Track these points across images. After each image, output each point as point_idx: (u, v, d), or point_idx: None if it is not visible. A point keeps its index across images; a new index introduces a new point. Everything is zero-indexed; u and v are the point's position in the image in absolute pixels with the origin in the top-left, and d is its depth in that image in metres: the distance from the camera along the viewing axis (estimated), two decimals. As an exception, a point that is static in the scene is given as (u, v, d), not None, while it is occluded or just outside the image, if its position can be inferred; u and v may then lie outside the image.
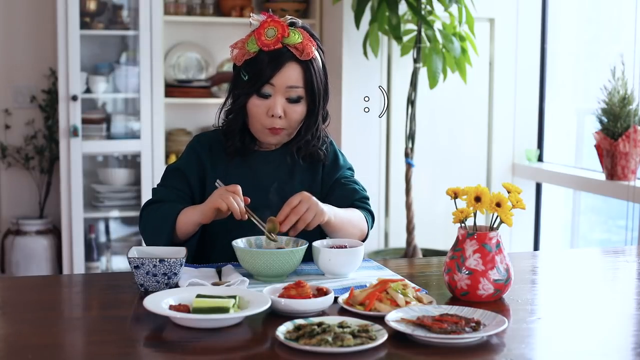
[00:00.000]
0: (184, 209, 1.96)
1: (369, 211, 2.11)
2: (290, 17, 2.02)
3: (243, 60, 2.00)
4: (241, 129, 2.06)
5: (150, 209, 2.03)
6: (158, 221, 1.98)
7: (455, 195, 1.79)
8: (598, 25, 4.82)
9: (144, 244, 2.07)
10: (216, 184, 1.95)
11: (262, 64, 1.97)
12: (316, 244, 1.90)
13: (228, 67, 4.74)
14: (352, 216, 2.03)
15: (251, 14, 2.04)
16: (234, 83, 2.05)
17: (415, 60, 3.94)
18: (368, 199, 2.14)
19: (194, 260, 2.04)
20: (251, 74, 1.98)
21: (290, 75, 1.97)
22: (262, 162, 2.09)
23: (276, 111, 1.98)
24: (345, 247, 1.92)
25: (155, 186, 2.11)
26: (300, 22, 2.03)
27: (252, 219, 1.90)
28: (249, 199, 1.89)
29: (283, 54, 1.97)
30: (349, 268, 1.90)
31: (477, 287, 1.73)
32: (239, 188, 1.89)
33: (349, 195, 2.10)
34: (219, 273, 1.88)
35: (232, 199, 1.86)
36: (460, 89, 4.21)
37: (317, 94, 2.01)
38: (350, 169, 2.19)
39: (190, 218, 1.94)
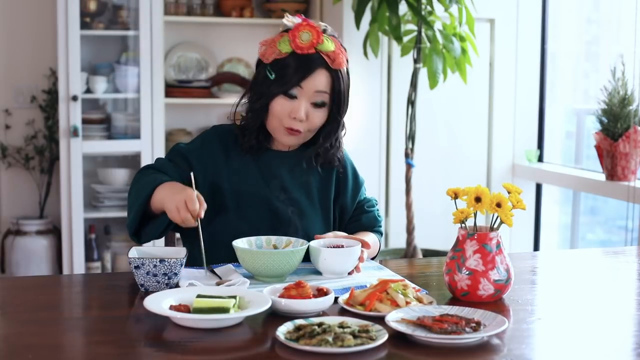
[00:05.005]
0: (165, 183, 1.95)
1: (381, 233, 2.23)
2: (323, 24, 2.04)
3: (272, 59, 2.01)
4: (259, 126, 2.08)
5: (143, 171, 2.05)
6: (141, 185, 1.99)
7: (455, 195, 1.79)
8: (598, 25, 4.83)
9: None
10: (191, 177, 1.93)
11: (293, 67, 1.98)
12: (313, 243, 1.91)
13: (228, 67, 4.75)
14: (373, 245, 2.11)
15: (286, 15, 2.05)
16: (258, 80, 2.05)
17: (416, 61, 3.94)
18: (382, 219, 2.25)
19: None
20: (280, 74, 1.99)
21: (320, 81, 2.00)
22: (277, 163, 2.11)
23: (300, 114, 1.99)
24: (342, 246, 1.92)
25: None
26: (331, 29, 2.05)
27: (200, 238, 1.89)
28: (202, 216, 1.87)
29: (315, 59, 1.99)
30: (345, 267, 1.90)
31: (478, 287, 1.73)
32: (195, 204, 1.84)
33: (371, 223, 2.20)
34: (219, 275, 1.88)
35: (185, 218, 1.84)
36: (461, 89, 4.21)
37: (342, 103, 2.04)
38: (363, 182, 2.24)
39: (158, 198, 1.93)
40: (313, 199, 2.12)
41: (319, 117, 2.03)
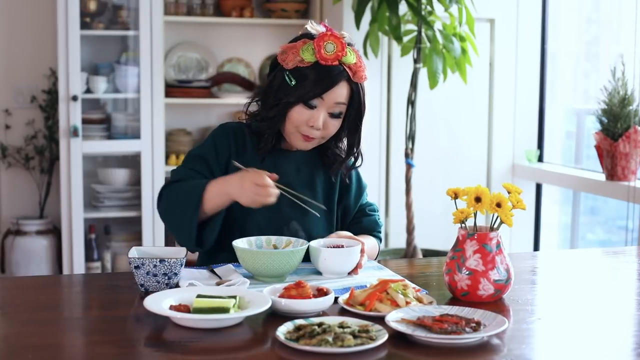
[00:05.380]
0: (210, 183, 1.96)
1: (380, 239, 2.24)
2: (345, 34, 2.03)
3: (293, 65, 2.00)
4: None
5: (174, 186, 2.02)
6: (183, 195, 1.97)
7: (455, 195, 1.79)
8: (598, 25, 4.83)
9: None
10: (235, 164, 1.96)
11: (316, 77, 1.98)
12: (313, 243, 1.92)
13: (228, 67, 4.75)
14: (372, 248, 2.14)
15: (310, 22, 2.04)
16: (275, 85, 2.04)
17: (416, 61, 3.94)
18: (382, 225, 2.27)
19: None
20: (301, 83, 1.99)
21: (341, 93, 2.02)
22: (284, 162, 2.12)
23: (317, 123, 2.01)
24: (342, 247, 1.92)
25: (175, 168, 2.12)
26: (352, 39, 2.06)
27: (288, 195, 1.96)
28: (276, 175, 1.93)
29: (339, 72, 2.00)
30: (345, 267, 1.90)
31: (478, 287, 1.73)
32: (265, 178, 1.88)
33: (372, 227, 2.22)
34: (219, 275, 1.88)
35: (266, 198, 1.88)
36: (461, 89, 4.21)
37: (362, 114, 2.09)
38: (366, 186, 2.27)
39: (221, 187, 1.94)
40: (317, 199, 2.12)
41: (335, 126, 2.05)
